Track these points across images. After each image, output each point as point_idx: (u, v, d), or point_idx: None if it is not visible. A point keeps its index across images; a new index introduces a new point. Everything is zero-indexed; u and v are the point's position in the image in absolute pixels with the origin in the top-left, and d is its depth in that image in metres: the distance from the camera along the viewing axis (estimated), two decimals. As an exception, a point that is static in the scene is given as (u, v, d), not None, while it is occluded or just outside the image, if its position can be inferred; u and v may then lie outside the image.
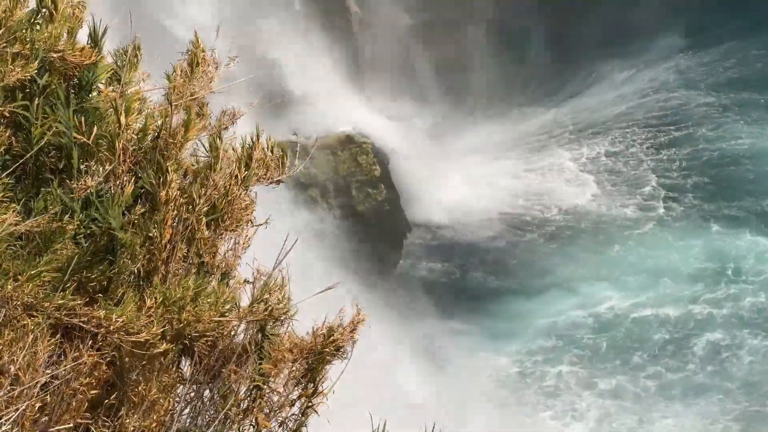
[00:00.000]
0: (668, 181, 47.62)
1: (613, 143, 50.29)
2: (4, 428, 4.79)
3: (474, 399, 37.67)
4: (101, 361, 5.39)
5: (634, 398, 37.65)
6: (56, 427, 5.24)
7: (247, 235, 5.92)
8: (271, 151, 5.95)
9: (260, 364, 5.81)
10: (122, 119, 5.36)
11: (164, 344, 5.44)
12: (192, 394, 5.88)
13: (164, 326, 5.42)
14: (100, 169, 5.53)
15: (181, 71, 6.08)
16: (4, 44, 5.33)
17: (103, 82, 5.74)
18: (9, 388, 4.98)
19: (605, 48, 52.95)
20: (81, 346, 5.31)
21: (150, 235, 5.47)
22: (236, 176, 5.77)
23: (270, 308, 5.77)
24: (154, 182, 5.48)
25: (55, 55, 5.55)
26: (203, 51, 6.14)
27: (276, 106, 39.04)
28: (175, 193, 5.49)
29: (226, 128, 6.16)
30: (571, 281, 42.71)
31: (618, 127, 51.06)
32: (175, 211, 5.52)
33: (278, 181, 6.13)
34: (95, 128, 5.41)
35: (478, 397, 37.81)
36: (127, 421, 5.46)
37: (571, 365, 39.40)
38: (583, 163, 49.41)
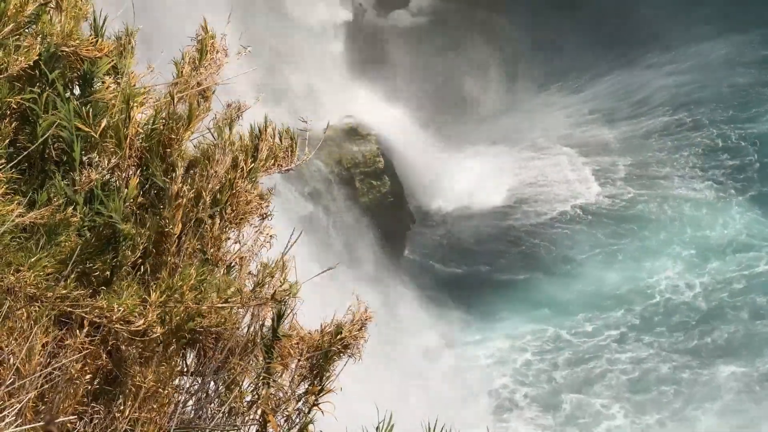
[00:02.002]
0: (705, 161, 47.44)
1: (648, 124, 50.03)
2: (7, 420, 4.79)
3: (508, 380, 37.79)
4: (93, 347, 5.38)
5: (691, 356, 38.16)
6: (60, 418, 5.24)
7: (269, 234, 5.89)
8: (280, 140, 5.91)
9: (269, 362, 5.79)
10: (132, 112, 5.34)
11: (159, 329, 5.43)
12: (196, 387, 5.88)
13: (161, 316, 5.42)
14: (105, 161, 5.51)
15: (190, 58, 6.05)
16: (15, 37, 5.33)
17: (104, 73, 5.72)
18: (11, 379, 4.98)
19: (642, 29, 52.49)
20: (78, 333, 5.31)
21: (160, 230, 5.46)
22: (241, 168, 5.74)
23: (273, 291, 5.75)
24: (164, 177, 5.46)
25: (67, 49, 5.53)
26: (212, 38, 6.11)
27: (281, 98, 39.00)
28: (184, 188, 5.47)
29: (233, 121, 6.13)
30: (603, 263, 42.69)
31: (653, 108, 50.79)
32: (184, 206, 5.51)
33: (288, 169, 6.09)
34: (104, 121, 5.39)
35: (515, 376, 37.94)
36: (124, 409, 5.45)
37: (614, 333, 39.71)
38: (605, 147, 49.10)
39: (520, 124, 50.42)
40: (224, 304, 5.58)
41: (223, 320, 5.60)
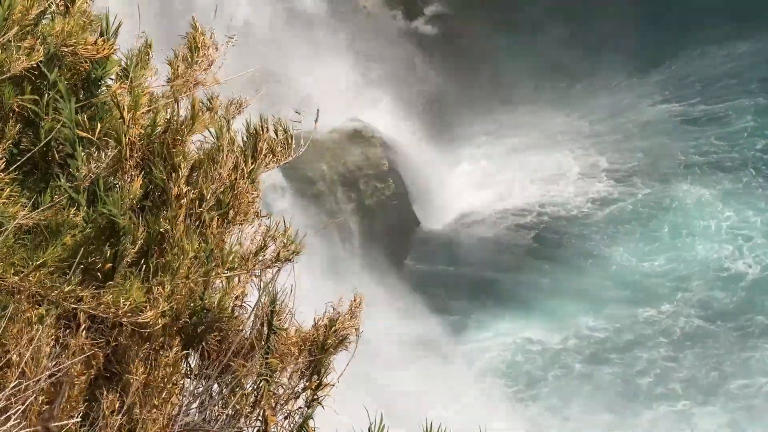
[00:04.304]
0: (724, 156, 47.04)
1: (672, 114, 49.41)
2: (11, 422, 4.80)
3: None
4: (95, 348, 5.40)
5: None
6: (63, 421, 5.25)
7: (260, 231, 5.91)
8: (276, 134, 5.94)
9: (267, 358, 5.81)
10: (126, 114, 5.36)
11: (163, 320, 5.44)
12: (200, 389, 5.89)
13: (165, 308, 5.44)
14: (103, 155, 5.53)
15: (182, 57, 6.08)
16: (17, 39, 5.34)
17: (112, 77, 5.74)
18: (15, 381, 4.99)
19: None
20: (79, 333, 5.32)
21: (161, 230, 5.48)
22: (242, 169, 5.76)
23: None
24: (164, 177, 5.49)
25: (66, 50, 5.55)
26: (203, 34, 6.13)
27: (284, 100, 38.99)
28: (185, 189, 5.50)
29: (234, 118, 6.15)
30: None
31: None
32: (186, 206, 5.54)
33: (285, 162, 6.12)
34: (99, 124, 5.41)
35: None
36: (123, 407, 5.46)
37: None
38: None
39: (532, 123, 50.13)
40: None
41: (227, 316, 5.62)
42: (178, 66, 6.04)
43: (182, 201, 5.49)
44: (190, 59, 5.99)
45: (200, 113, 5.74)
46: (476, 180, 46.85)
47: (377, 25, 49.16)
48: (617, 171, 47.28)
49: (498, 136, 49.16)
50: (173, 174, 5.48)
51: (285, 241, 5.80)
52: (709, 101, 49.54)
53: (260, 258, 5.79)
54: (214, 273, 5.55)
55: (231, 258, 5.65)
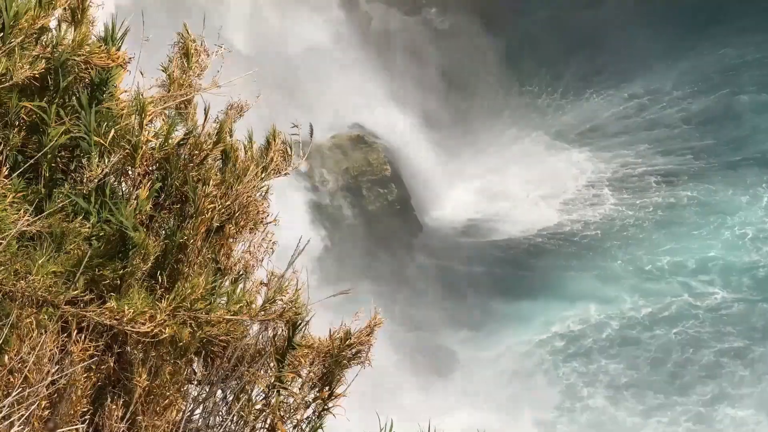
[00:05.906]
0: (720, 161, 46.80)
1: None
2: (15, 428, 4.79)
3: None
4: (98, 354, 5.39)
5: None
6: (66, 428, 5.24)
7: (270, 240, 5.90)
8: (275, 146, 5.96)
9: (281, 369, 5.80)
10: (144, 122, 5.36)
11: (169, 330, 5.44)
12: (204, 395, 5.88)
13: (167, 316, 5.43)
14: (106, 160, 5.53)
15: (177, 63, 6.10)
16: (25, 47, 5.34)
17: (116, 85, 5.74)
18: (20, 388, 4.99)
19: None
20: (81, 340, 5.32)
21: (181, 241, 5.48)
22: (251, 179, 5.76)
23: (283, 310, 5.76)
24: (197, 191, 5.50)
25: (78, 59, 5.55)
26: (194, 41, 6.15)
27: (286, 105, 39.02)
28: (207, 203, 5.52)
29: (235, 122, 6.16)
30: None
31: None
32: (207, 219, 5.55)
33: (285, 173, 6.13)
34: (113, 131, 5.41)
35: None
36: (127, 413, 5.45)
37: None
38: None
39: (534, 129, 50.02)
40: (232, 317, 5.59)
41: (231, 329, 5.60)
42: (173, 72, 6.05)
43: (205, 214, 5.50)
44: (185, 65, 6.01)
45: (226, 132, 5.75)
46: (482, 183, 46.75)
47: (382, 30, 49.14)
48: (638, 172, 47.13)
49: (509, 135, 48.99)
50: (202, 187, 5.50)
51: (293, 304, 5.78)
52: (731, 95, 49.20)
53: (263, 311, 5.77)
54: (219, 312, 5.53)
55: (238, 308, 5.64)
